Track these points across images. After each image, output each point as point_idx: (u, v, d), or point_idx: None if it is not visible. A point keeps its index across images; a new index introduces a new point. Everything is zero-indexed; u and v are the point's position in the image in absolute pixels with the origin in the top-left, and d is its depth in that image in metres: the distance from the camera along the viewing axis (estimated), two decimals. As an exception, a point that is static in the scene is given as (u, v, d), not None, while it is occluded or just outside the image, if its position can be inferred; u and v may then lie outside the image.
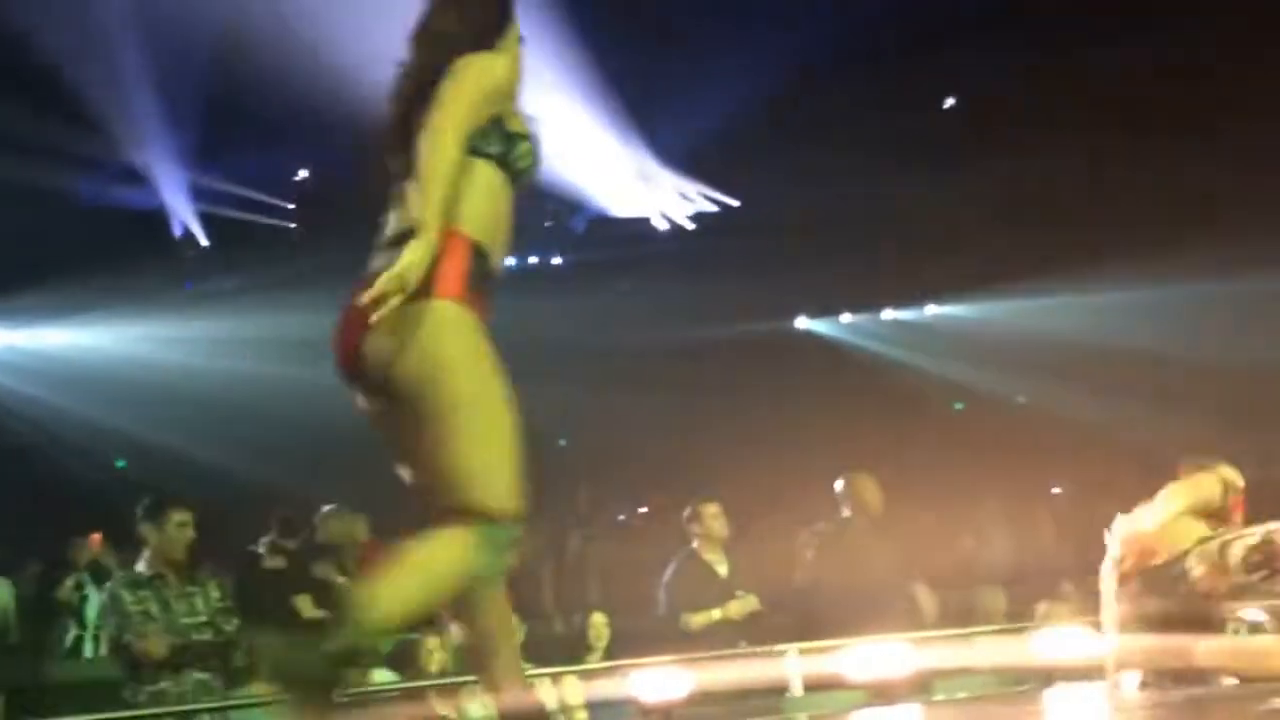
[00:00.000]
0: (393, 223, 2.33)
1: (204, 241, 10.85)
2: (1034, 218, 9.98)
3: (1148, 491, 7.88)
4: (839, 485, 6.00)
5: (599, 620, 6.10)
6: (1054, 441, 9.89)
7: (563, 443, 11.29)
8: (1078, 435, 9.98)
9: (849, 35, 9.37)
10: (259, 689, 4.35)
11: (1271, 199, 8.72)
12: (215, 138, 9.75)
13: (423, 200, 2.19)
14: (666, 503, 8.69)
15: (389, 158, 2.37)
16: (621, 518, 10.51)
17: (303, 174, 11.30)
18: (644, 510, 10.61)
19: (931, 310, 12.14)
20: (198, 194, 10.51)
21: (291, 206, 11.23)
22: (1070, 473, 9.41)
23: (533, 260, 11.80)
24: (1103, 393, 10.24)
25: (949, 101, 11.10)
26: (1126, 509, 7.35)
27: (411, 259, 2.13)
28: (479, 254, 2.28)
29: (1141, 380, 10.04)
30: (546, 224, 11.51)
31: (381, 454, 2.35)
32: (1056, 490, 9.35)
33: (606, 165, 10.60)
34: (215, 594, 4.81)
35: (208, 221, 10.74)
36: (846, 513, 5.96)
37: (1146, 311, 10.03)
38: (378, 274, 2.17)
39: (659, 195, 11.32)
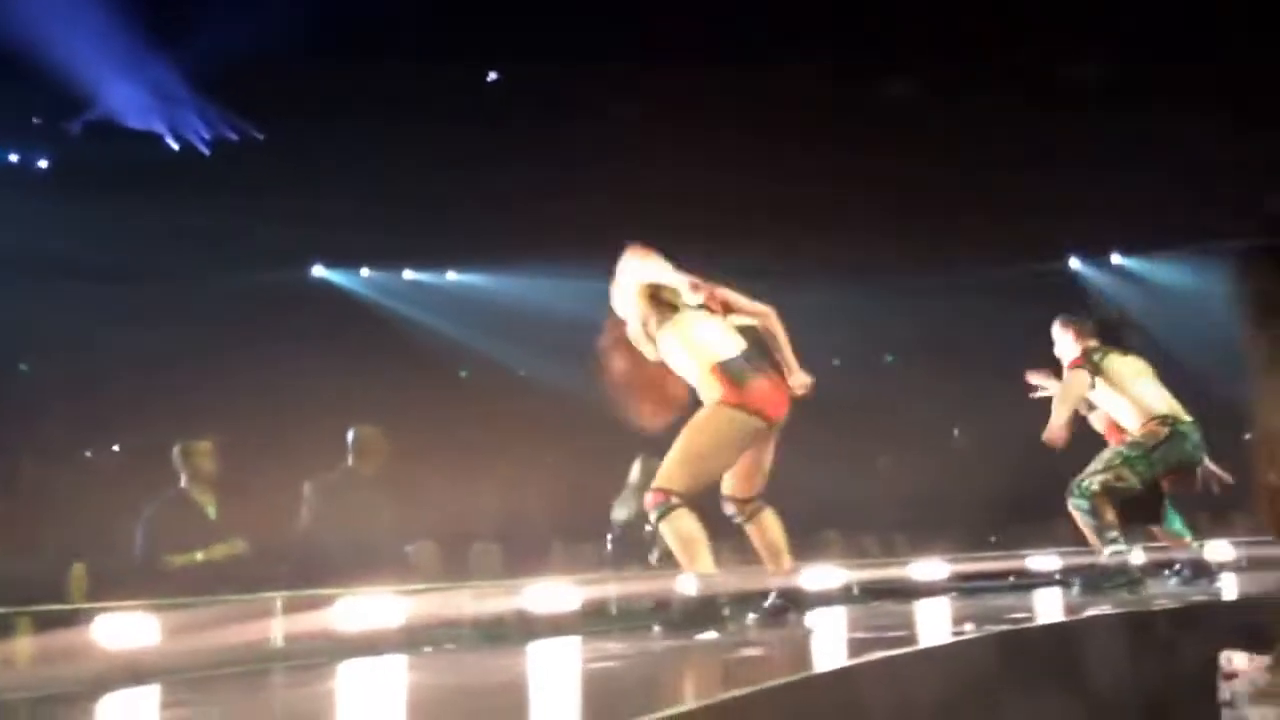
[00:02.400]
0: None
1: None
2: (556, 197, 10.33)
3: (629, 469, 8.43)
4: (349, 436, 5.95)
5: (79, 572, 5.61)
6: (548, 413, 10.36)
7: (24, 368, 10.36)
8: (570, 409, 10.56)
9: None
10: None
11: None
12: None
13: None
14: (142, 441, 8.18)
15: None
16: (89, 454, 9.83)
17: None
18: (116, 448, 9.98)
19: (452, 276, 12.30)
20: None
21: None
22: (561, 444, 9.90)
23: (13, 158, 10.62)
24: (595, 374, 10.86)
25: (492, 75, 11.24)
26: (609, 483, 7.91)
27: None
28: None
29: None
30: (35, 120, 10.42)
31: None
32: (549, 460, 9.79)
33: (118, 67, 9.69)
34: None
35: None
36: (353, 463, 5.92)
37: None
38: None
39: (179, 113, 10.54)
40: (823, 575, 6.71)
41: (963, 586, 7.16)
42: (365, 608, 4.86)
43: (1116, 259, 12.66)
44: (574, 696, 3.19)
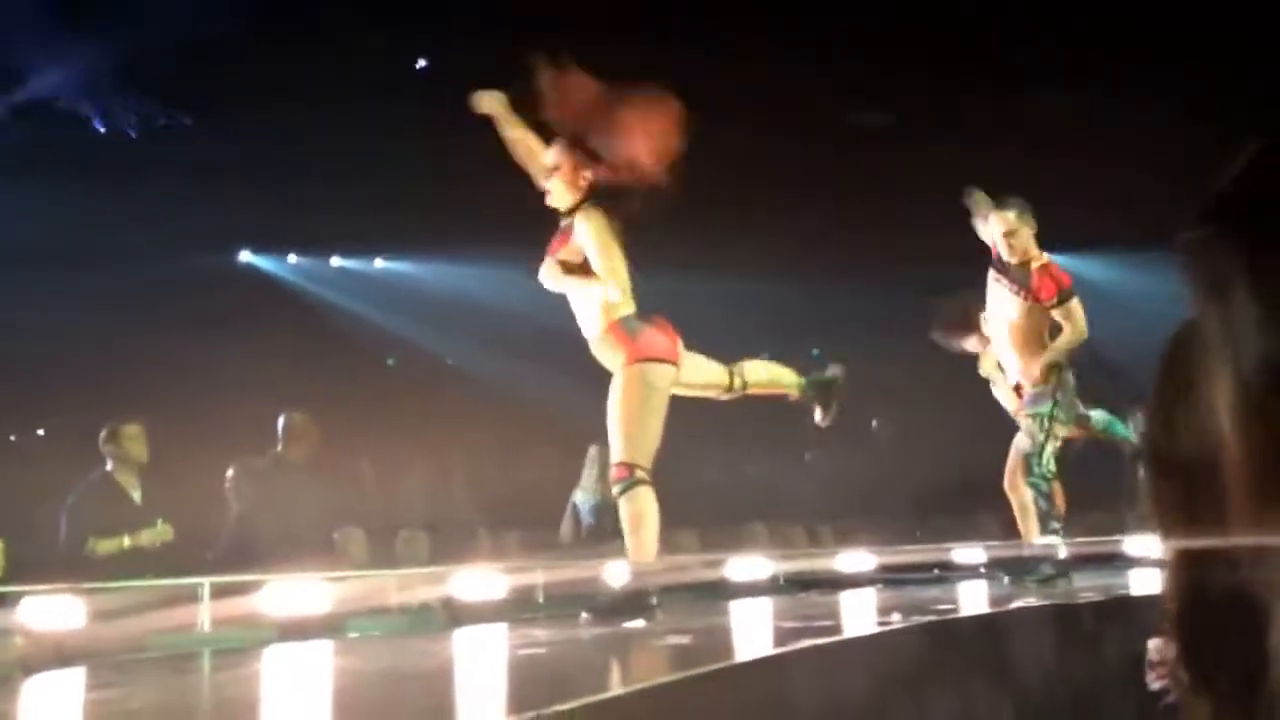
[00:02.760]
0: None
1: None
2: (486, 185, 10.28)
3: (558, 458, 8.46)
4: (280, 422, 5.92)
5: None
6: (475, 403, 10.36)
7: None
8: (497, 399, 10.57)
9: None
10: None
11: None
12: None
13: None
14: (65, 424, 8.05)
15: None
16: (14, 437, 9.67)
17: None
18: (41, 432, 9.80)
19: (380, 264, 12.21)
20: None
21: None
22: (488, 433, 9.90)
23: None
24: (522, 363, 10.87)
25: (422, 62, 11.15)
26: (536, 472, 7.90)
27: None
28: None
29: (558, 354, 10.75)
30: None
31: None
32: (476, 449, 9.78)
33: (45, 49, 9.49)
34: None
35: None
36: (282, 450, 5.89)
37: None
38: None
39: (107, 97, 10.33)
40: (749, 566, 6.79)
41: (888, 578, 7.27)
42: (292, 593, 4.84)
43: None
44: (499, 682, 3.23)
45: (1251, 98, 8.35)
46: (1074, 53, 9.45)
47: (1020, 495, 6.01)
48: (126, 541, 5.70)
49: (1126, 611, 4.45)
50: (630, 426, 4.44)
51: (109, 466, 6.01)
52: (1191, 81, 8.81)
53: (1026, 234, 5.87)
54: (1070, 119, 9.85)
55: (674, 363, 4.56)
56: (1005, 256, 5.89)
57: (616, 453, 4.44)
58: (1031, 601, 4.78)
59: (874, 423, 11.19)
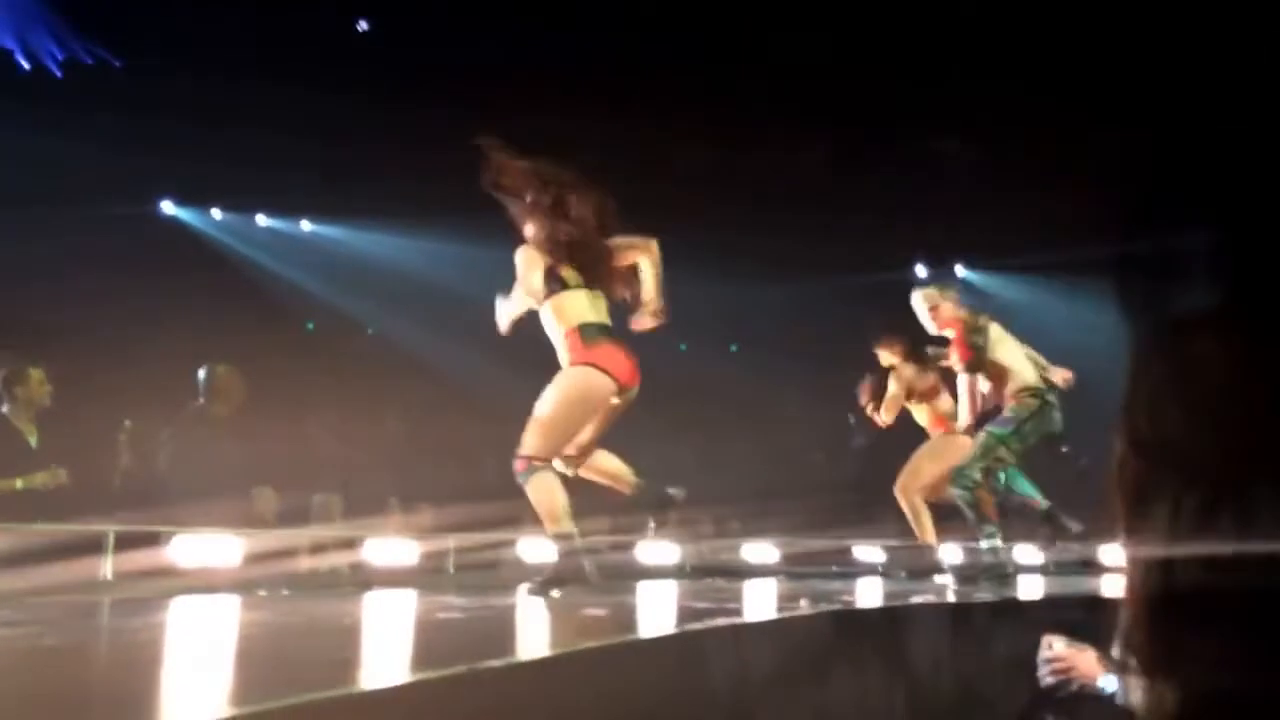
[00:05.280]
0: None
1: None
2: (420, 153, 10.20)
3: (471, 431, 8.43)
4: (201, 374, 5.84)
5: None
6: (391, 373, 10.29)
7: None
8: (413, 371, 10.51)
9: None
10: None
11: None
12: None
13: None
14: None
15: None
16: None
17: None
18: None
19: (307, 226, 12.03)
20: None
21: None
22: (402, 403, 9.85)
23: None
24: (444, 337, 10.82)
25: (362, 24, 11.03)
26: (454, 442, 7.89)
27: None
28: None
29: (481, 330, 10.71)
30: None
31: None
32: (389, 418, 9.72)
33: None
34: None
35: None
36: (205, 402, 5.81)
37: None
38: None
39: (32, 31, 10.05)
40: (658, 551, 6.88)
41: (794, 570, 7.40)
42: (201, 546, 4.80)
43: (960, 270, 13.17)
44: (412, 640, 3.24)
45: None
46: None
47: (910, 500, 6.32)
48: (19, 483, 5.62)
49: (1017, 612, 4.62)
50: (548, 420, 4.64)
51: (5, 408, 5.89)
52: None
53: (948, 307, 6.20)
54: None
55: (620, 381, 4.73)
56: (932, 330, 6.25)
57: (523, 444, 4.61)
58: (929, 598, 4.91)
59: (788, 418, 11.34)
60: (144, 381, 7.32)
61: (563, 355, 4.83)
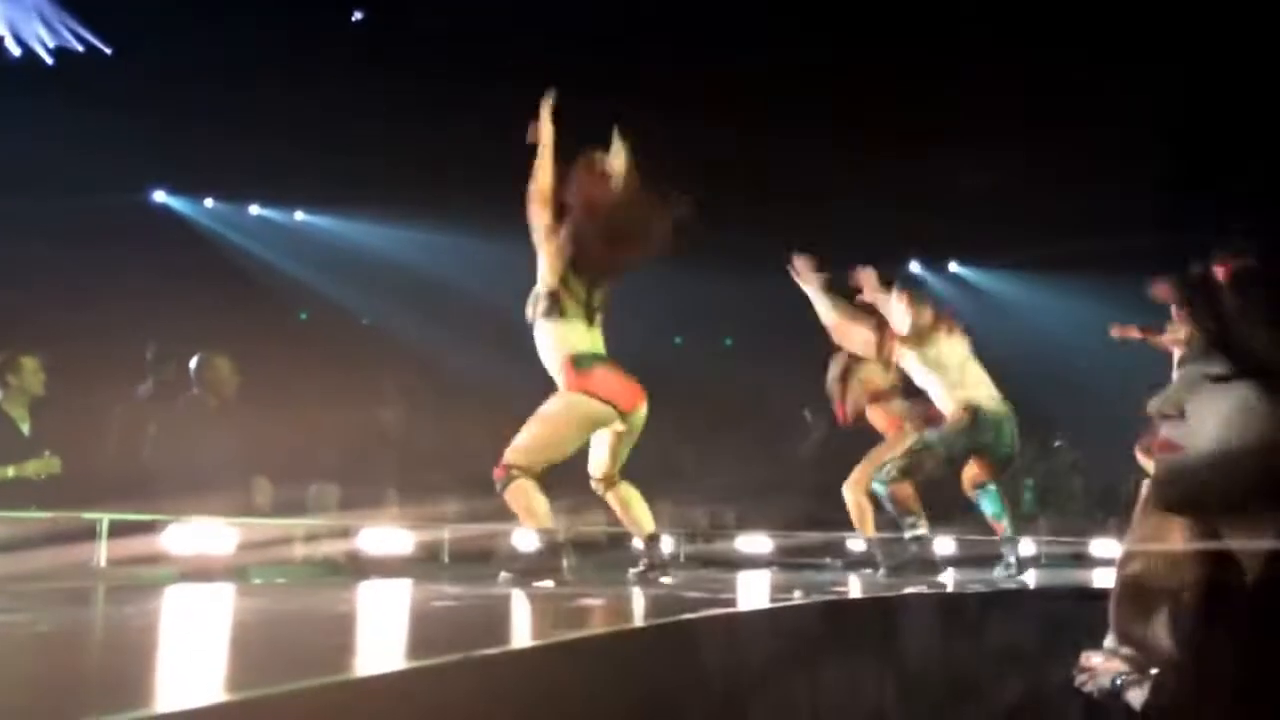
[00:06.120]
0: None
1: None
2: (412, 146, 10.19)
3: (464, 422, 8.42)
4: (193, 363, 5.83)
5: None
6: (384, 363, 10.28)
7: None
8: (406, 361, 10.49)
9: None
10: None
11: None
12: None
13: None
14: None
15: None
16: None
17: None
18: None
19: (300, 216, 12.01)
20: None
21: None
22: (395, 393, 9.83)
23: None
24: (437, 327, 10.82)
25: (357, 15, 11.00)
26: (442, 434, 7.86)
27: None
28: None
29: (473, 321, 10.72)
30: None
31: None
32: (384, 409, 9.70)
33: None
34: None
35: None
36: (199, 392, 5.80)
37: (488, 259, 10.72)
38: None
39: (22, 17, 10.01)
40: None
41: (785, 562, 7.42)
42: (198, 534, 4.79)
43: (954, 267, 13.18)
44: (408, 629, 3.24)
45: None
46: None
47: (856, 496, 6.41)
48: (11, 471, 5.62)
49: (1005, 604, 4.64)
50: (535, 436, 4.74)
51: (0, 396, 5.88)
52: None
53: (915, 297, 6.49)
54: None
55: (620, 407, 4.82)
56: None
57: (505, 454, 4.71)
58: (921, 590, 4.93)
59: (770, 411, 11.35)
60: (137, 370, 7.30)
61: (559, 380, 4.90)
